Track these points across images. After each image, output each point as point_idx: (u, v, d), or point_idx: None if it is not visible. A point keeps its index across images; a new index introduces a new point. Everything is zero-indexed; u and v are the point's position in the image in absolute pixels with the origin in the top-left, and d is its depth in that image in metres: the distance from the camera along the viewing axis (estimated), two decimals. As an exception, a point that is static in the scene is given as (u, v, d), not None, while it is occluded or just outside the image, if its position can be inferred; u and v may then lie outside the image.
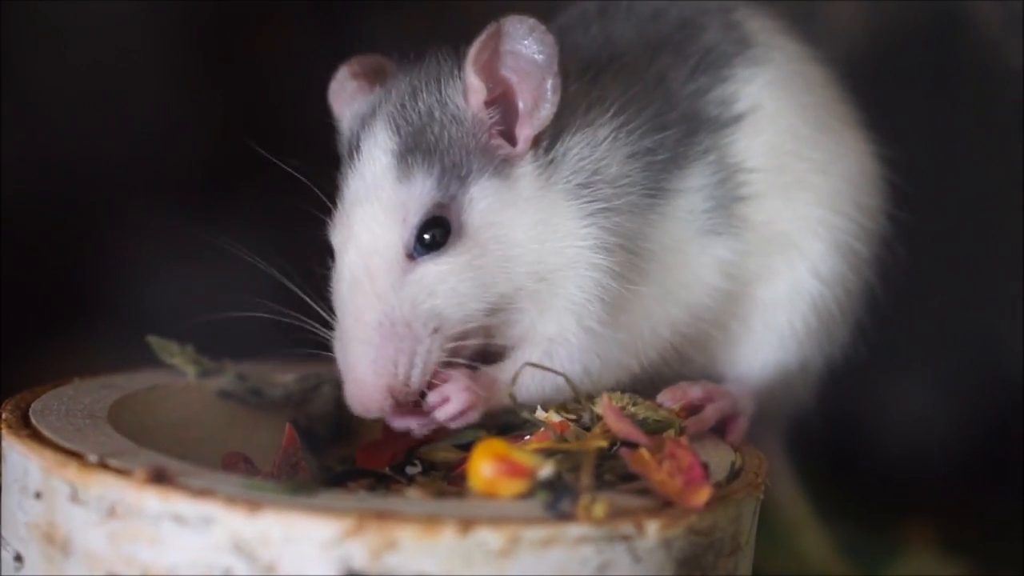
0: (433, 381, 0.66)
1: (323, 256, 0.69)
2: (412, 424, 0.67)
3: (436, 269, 0.66)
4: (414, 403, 0.67)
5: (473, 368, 0.68)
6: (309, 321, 0.68)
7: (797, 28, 0.78)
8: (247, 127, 0.73)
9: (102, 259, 0.98)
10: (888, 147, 0.78)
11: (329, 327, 0.68)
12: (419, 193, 0.66)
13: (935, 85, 0.97)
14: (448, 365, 0.66)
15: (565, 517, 0.55)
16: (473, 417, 0.67)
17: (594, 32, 0.75)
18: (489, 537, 0.54)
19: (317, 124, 0.75)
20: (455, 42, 0.70)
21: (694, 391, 0.71)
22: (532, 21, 0.66)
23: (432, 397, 0.66)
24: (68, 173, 0.99)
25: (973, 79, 0.96)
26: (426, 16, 1.06)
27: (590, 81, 0.71)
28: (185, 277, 0.94)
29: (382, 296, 0.65)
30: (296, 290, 0.69)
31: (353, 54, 0.76)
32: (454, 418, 0.66)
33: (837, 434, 0.86)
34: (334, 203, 0.69)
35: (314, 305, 0.68)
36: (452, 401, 0.66)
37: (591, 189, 0.68)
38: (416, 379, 0.65)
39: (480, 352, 0.69)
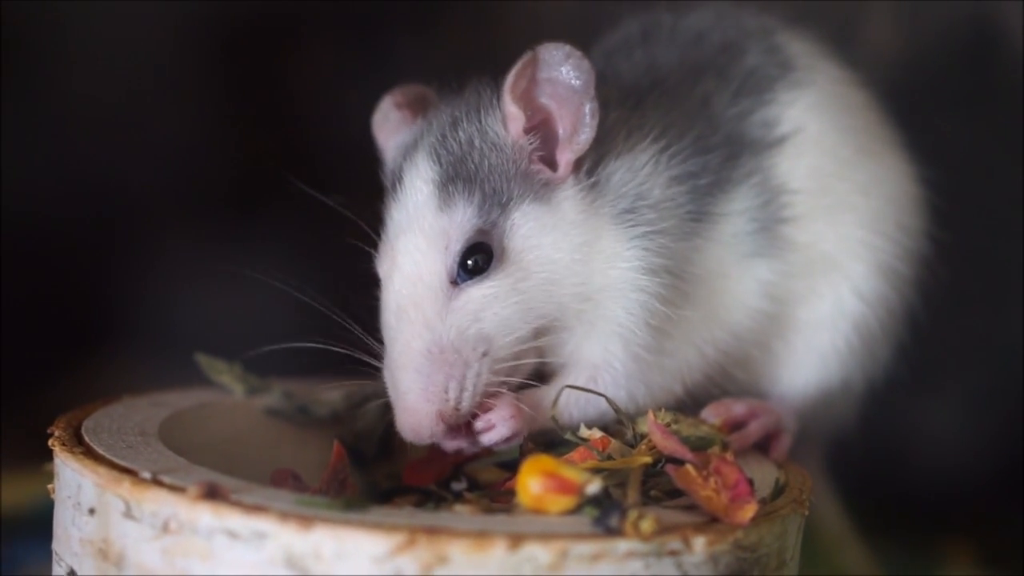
0: (481, 406, 0.67)
1: (350, 275, 0.70)
2: (462, 445, 0.68)
3: (480, 293, 0.67)
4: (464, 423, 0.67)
5: (527, 385, 0.68)
6: (332, 343, 0.69)
7: (836, 50, 0.78)
8: (277, 148, 0.74)
9: (130, 280, 0.99)
10: (926, 167, 0.79)
11: (359, 345, 0.69)
12: (460, 220, 0.67)
13: (971, 104, 0.98)
14: (502, 384, 0.67)
15: (613, 532, 0.56)
16: (518, 441, 0.67)
17: (637, 57, 0.76)
18: (538, 552, 0.54)
19: (346, 145, 0.76)
20: (485, 63, 0.71)
21: (738, 408, 0.72)
22: (568, 47, 0.66)
23: (479, 424, 0.67)
24: (98, 194, 1.00)
25: (1010, 98, 0.96)
26: (458, 39, 1.06)
27: (632, 108, 0.71)
28: (214, 297, 0.94)
29: (429, 324, 0.66)
30: (336, 313, 0.70)
31: (384, 77, 0.77)
32: (499, 444, 0.67)
33: (875, 450, 0.86)
34: (365, 226, 0.70)
35: (344, 322, 0.69)
36: (498, 428, 0.67)
37: (635, 214, 0.68)
38: (466, 403, 0.66)
39: (535, 372, 0.70)
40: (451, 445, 0.68)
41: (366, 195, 0.71)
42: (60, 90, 1.01)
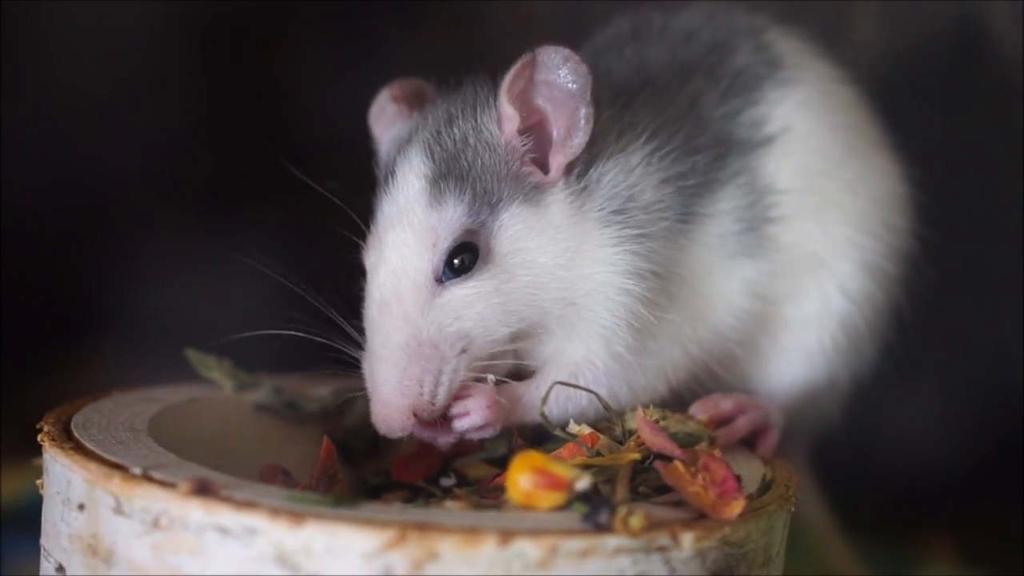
0: (459, 394, 0.67)
1: (334, 266, 0.70)
2: (436, 435, 0.68)
3: (463, 293, 0.67)
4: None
5: (501, 382, 0.68)
6: (315, 333, 0.69)
7: (823, 48, 0.79)
8: (261, 140, 0.74)
9: (117, 272, 0.99)
10: (911, 165, 0.79)
11: (343, 336, 0.69)
12: (450, 219, 0.67)
13: (957, 103, 0.98)
14: (477, 380, 0.67)
15: (602, 529, 0.56)
16: (492, 432, 0.68)
17: (628, 55, 0.76)
18: (528, 548, 0.55)
19: (330, 138, 0.76)
20: (471, 58, 0.71)
21: (726, 403, 0.72)
22: (567, 51, 0.66)
23: (454, 408, 0.67)
24: (83, 186, 1.00)
25: (995, 97, 0.97)
26: (444, 33, 1.06)
27: (623, 107, 0.71)
28: (200, 289, 0.94)
29: (409, 318, 0.66)
30: (322, 303, 0.70)
31: (370, 69, 0.77)
32: (472, 431, 0.67)
33: (859, 446, 0.87)
34: (355, 216, 0.70)
35: (329, 312, 0.69)
36: (472, 415, 0.67)
37: (625, 215, 0.69)
38: (441, 398, 0.66)
39: (511, 372, 0.70)
40: (426, 435, 0.68)
41: (347, 188, 0.71)
42: (43, 82, 1.00)
